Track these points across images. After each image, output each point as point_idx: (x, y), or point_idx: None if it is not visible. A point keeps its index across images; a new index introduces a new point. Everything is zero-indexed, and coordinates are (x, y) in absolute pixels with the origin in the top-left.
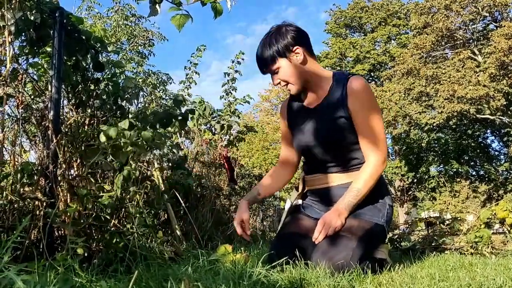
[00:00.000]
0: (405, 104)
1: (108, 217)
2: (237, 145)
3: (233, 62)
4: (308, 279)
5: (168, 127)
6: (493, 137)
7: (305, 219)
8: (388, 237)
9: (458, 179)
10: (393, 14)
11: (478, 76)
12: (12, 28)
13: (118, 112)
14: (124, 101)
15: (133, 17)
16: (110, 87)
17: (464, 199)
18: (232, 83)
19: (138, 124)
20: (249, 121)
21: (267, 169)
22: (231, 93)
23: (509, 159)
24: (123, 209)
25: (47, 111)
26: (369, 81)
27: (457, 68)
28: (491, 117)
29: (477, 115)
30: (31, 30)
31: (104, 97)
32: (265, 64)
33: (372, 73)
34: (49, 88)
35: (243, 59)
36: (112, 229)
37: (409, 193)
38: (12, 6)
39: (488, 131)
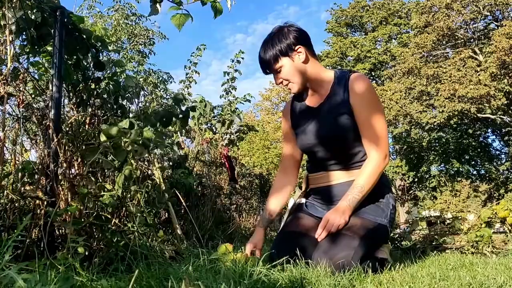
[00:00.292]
0: (406, 103)
1: (109, 216)
2: (237, 144)
3: (232, 61)
4: (309, 278)
5: (169, 125)
6: (494, 137)
7: (307, 218)
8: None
9: (459, 179)
10: (394, 13)
11: (479, 75)
12: (13, 27)
13: (118, 111)
14: (125, 100)
15: (134, 16)
16: (110, 86)
17: (465, 198)
18: (232, 82)
19: (139, 123)
20: (250, 120)
21: (267, 168)
22: (231, 92)
23: (510, 159)
24: (124, 208)
25: (48, 110)
26: (370, 80)
27: (458, 67)
28: (492, 117)
29: (478, 115)
30: (32, 29)
31: (105, 96)
32: (268, 64)
33: (373, 72)
34: (50, 87)
35: (242, 58)
36: (113, 228)
37: (410, 192)
38: (13, 5)
39: (489, 130)
